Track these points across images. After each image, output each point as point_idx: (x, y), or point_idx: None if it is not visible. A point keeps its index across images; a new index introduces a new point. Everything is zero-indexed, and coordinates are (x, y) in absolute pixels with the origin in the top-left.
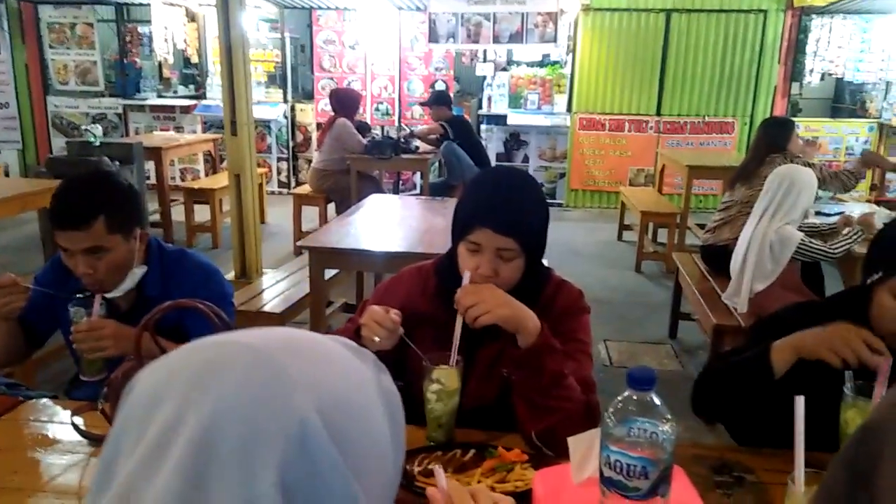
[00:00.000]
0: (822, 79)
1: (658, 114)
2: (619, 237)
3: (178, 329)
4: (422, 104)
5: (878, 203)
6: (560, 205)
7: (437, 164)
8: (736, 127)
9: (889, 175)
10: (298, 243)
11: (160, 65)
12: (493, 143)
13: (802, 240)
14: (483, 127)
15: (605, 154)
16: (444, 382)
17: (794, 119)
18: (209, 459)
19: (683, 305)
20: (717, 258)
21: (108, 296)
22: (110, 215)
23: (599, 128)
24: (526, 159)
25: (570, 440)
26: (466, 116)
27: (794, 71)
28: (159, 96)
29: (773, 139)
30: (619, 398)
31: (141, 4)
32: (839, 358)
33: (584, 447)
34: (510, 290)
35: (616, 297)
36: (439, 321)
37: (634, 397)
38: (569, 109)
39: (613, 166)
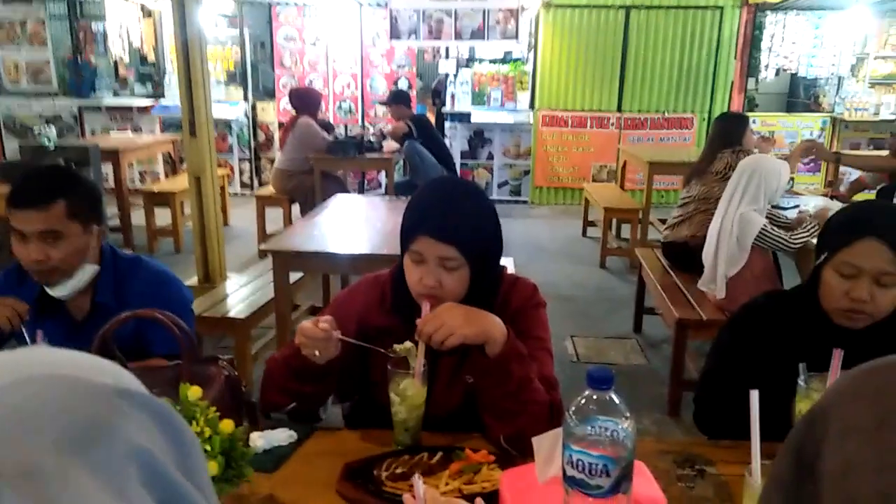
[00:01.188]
0: (776, 74)
1: (619, 110)
2: (584, 233)
3: (137, 341)
4: (381, 103)
5: (832, 198)
6: (525, 202)
7: (401, 162)
8: (695, 122)
9: (843, 169)
10: (262, 247)
11: (116, 64)
12: (457, 140)
13: (765, 226)
14: (447, 124)
15: (568, 151)
16: (408, 387)
17: (751, 114)
18: None
19: (647, 300)
20: (678, 254)
21: (58, 295)
22: (71, 201)
23: (562, 124)
24: (490, 157)
25: (534, 440)
26: (430, 114)
27: (750, 66)
28: (115, 96)
29: (727, 135)
30: (580, 398)
31: (94, 1)
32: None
33: (548, 446)
34: (464, 298)
35: (581, 292)
36: (398, 334)
37: (594, 396)
38: (531, 106)
39: (577, 163)
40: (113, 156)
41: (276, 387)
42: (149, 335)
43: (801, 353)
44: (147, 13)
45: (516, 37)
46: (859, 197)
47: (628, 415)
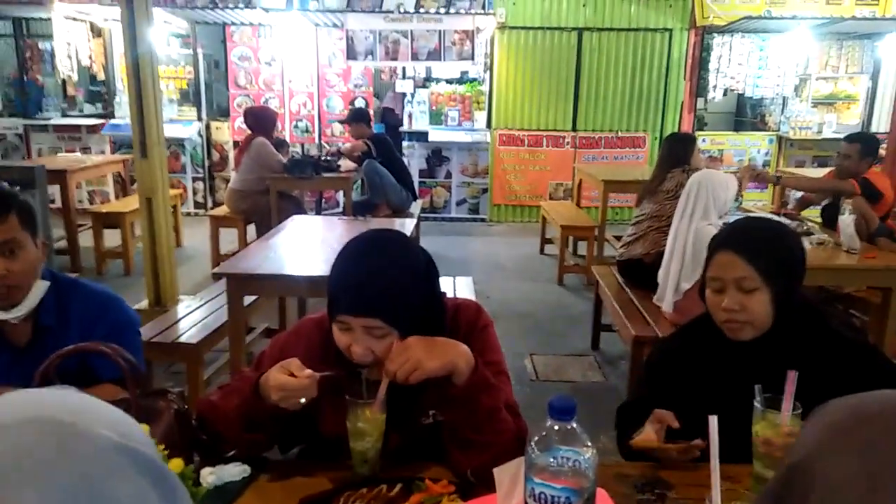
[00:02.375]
0: (724, 94)
1: (574, 129)
2: (542, 251)
3: (83, 365)
4: (340, 122)
5: (782, 215)
6: (483, 220)
7: (359, 182)
8: (647, 141)
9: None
10: (215, 270)
11: (64, 82)
12: (415, 159)
13: None
14: (405, 143)
15: (525, 169)
16: (368, 418)
17: (701, 133)
18: None
19: (604, 317)
20: (633, 271)
21: (9, 317)
22: (21, 211)
23: (518, 143)
24: (448, 175)
25: (495, 471)
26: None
27: (699, 87)
28: (64, 115)
29: (676, 154)
30: (542, 429)
31: (41, 19)
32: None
33: (510, 477)
34: None
35: (539, 310)
36: (344, 385)
37: (556, 427)
38: (489, 125)
39: (533, 181)
40: (60, 176)
41: (217, 436)
42: (94, 360)
43: (715, 375)
44: (97, 32)
45: (472, 58)
46: (807, 213)
47: (590, 444)
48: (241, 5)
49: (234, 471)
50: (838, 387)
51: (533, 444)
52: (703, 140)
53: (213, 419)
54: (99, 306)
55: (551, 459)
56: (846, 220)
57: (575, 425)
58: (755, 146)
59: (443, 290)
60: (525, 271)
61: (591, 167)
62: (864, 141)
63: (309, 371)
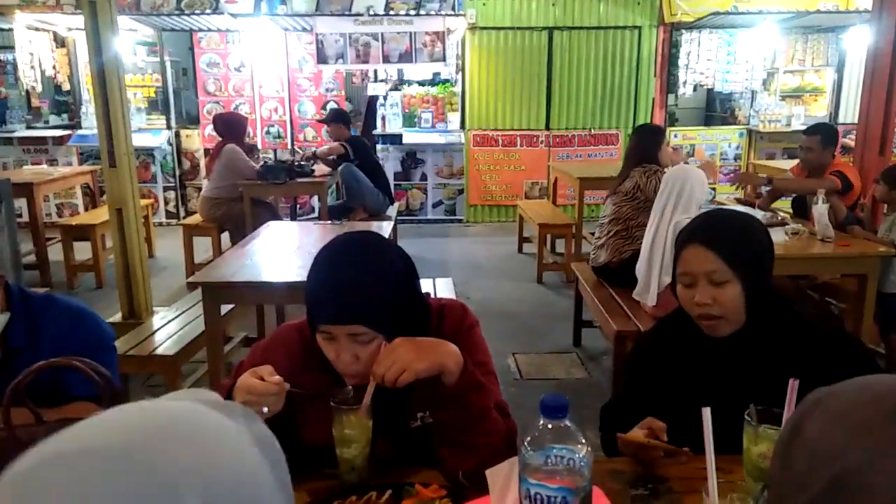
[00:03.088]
0: (694, 89)
1: (547, 128)
2: (520, 250)
3: (56, 383)
4: (319, 121)
5: (756, 207)
6: (460, 221)
7: (334, 186)
8: (620, 138)
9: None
10: (189, 279)
11: (28, 94)
12: (390, 162)
13: None
14: (379, 146)
15: (500, 169)
16: (354, 424)
17: (672, 128)
18: None
19: (585, 313)
20: (604, 274)
21: None
22: None
23: (493, 143)
24: (423, 177)
25: (488, 473)
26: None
27: (669, 83)
28: (29, 127)
29: (644, 147)
30: (534, 428)
31: (3, 30)
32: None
33: (503, 478)
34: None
35: (521, 309)
36: (327, 393)
37: (549, 426)
38: (462, 127)
39: (509, 181)
40: (26, 190)
41: None
42: (67, 376)
43: (692, 371)
44: (60, 42)
45: (444, 59)
46: (777, 204)
47: (584, 441)
48: (207, 11)
49: None
50: (816, 378)
51: (526, 443)
52: (675, 135)
53: None
54: (72, 322)
55: (545, 459)
56: (820, 209)
57: (568, 423)
58: (726, 140)
59: (426, 290)
60: (504, 271)
61: (566, 165)
62: (823, 132)
63: (278, 378)
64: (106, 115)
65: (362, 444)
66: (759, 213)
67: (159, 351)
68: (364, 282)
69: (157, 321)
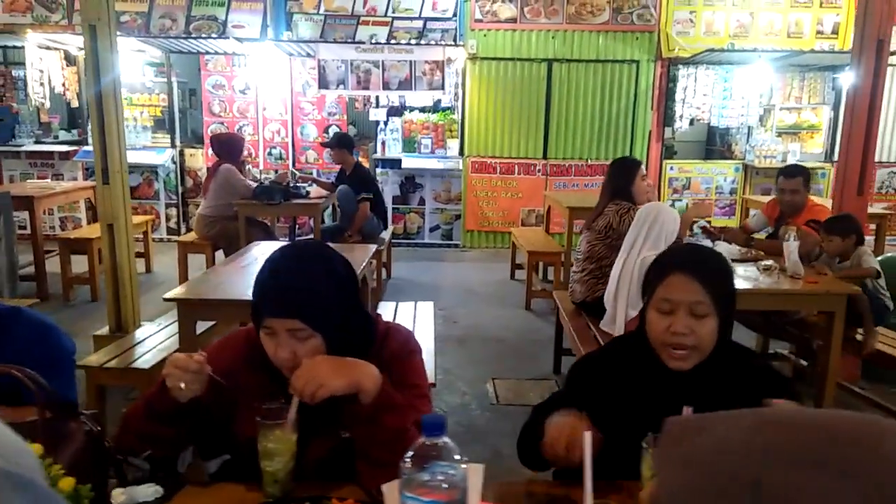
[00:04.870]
0: (691, 124)
1: (545, 157)
2: (512, 276)
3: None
4: (322, 144)
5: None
6: (457, 245)
7: (330, 207)
8: None
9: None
10: (166, 295)
11: (38, 109)
12: (388, 186)
13: None
14: (378, 170)
15: (497, 196)
16: (278, 438)
17: (669, 161)
18: None
19: (566, 341)
20: (584, 308)
21: None
22: None
23: (491, 171)
24: (422, 202)
25: (384, 487)
26: (363, 160)
27: (666, 117)
28: (38, 142)
29: (618, 179)
30: (416, 445)
31: (15, 47)
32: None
33: (398, 493)
34: (339, 352)
35: (506, 335)
36: (265, 392)
37: (428, 443)
38: (461, 153)
39: (506, 207)
40: (27, 203)
41: (132, 430)
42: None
43: (639, 399)
44: (71, 60)
45: (442, 87)
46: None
47: (461, 457)
48: (213, 35)
49: (147, 491)
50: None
51: (406, 460)
52: (672, 168)
53: (130, 413)
54: (37, 336)
55: (424, 475)
56: (791, 246)
57: (447, 440)
58: (722, 174)
59: (406, 312)
60: (495, 296)
61: (560, 194)
62: (804, 174)
63: (200, 357)
64: (101, 131)
65: (286, 458)
66: (734, 249)
67: (136, 364)
68: (305, 281)
69: (139, 335)
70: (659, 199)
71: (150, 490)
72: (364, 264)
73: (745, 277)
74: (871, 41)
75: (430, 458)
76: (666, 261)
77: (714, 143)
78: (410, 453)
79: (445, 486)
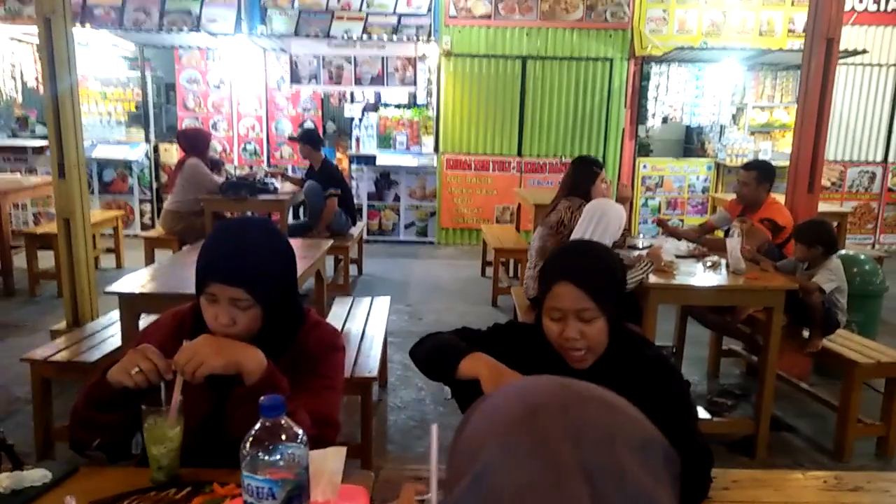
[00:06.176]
0: (664, 122)
1: (519, 154)
2: (483, 273)
3: None
4: (290, 139)
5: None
6: (432, 242)
7: (301, 204)
8: None
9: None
10: (106, 289)
11: (12, 103)
12: (363, 182)
13: None
14: (353, 167)
15: (472, 193)
16: (160, 424)
17: (643, 158)
18: None
19: None
20: (537, 304)
21: None
22: None
23: (466, 168)
24: (397, 198)
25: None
26: (343, 157)
27: (639, 115)
28: (13, 136)
29: (577, 178)
30: (256, 426)
31: None
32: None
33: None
34: (259, 335)
35: None
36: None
37: (267, 424)
38: (436, 150)
39: (481, 204)
40: None
41: (79, 421)
42: None
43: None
44: None
45: (415, 83)
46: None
47: (300, 437)
48: (185, 29)
49: (35, 476)
50: (649, 407)
51: (246, 440)
52: (644, 166)
53: (76, 406)
54: None
55: (263, 455)
56: (732, 242)
57: (284, 421)
58: (694, 172)
59: (360, 305)
60: (463, 293)
61: (533, 192)
62: (760, 169)
63: (162, 361)
64: (56, 125)
65: (172, 443)
66: (682, 245)
67: (80, 358)
68: (252, 252)
69: (89, 329)
70: (631, 198)
71: (39, 474)
72: (317, 258)
73: (686, 273)
74: (821, 40)
75: (270, 438)
76: (550, 269)
77: (692, 142)
78: (250, 434)
79: (282, 464)
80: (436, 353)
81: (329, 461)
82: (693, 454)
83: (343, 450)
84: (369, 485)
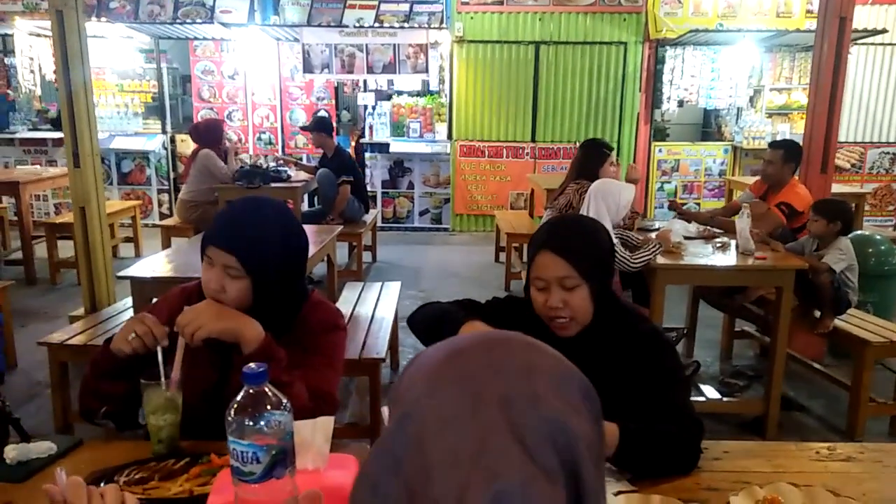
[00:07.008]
0: (679, 105)
1: (533, 140)
2: (496, 259)
3: None
4: (302, 128)
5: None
6: (446, 229)
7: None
8: None
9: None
10: (119, 273)
11: (30, 96)
12: (377, 170)
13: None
14: (367, 155)
15: (486, 179)
16: (160, 397)
17: (658, 143)
18: None
19: None
20: None
21: None
22: None
23: (479, 154)
24: (411, 186)
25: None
26: (352, 143)
27: (654, 98)
28: (34, 129)
29: (586, 161)
30: (240, 393)
31: (6, 35)
32: None
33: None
34: (258, 310)
35: None
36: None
37: (251, 391)
38: (449, 137)
39: (495, 191)
40: (13, 188)
41: (88, 391)
42: None
43: None
44: None
45: (426, 70)
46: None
47: (284, 404)
48: (198, 20)
49: (41, 447)
50: (640, 380)
51: (232, 405)
52: (660, 150)
53: (85, 376)
54: None
55: (245, 420)
56: (741, 223)
57: (269, 388)
58: (711, 156)
59: (373, 291)
60: (477, 279)
61: (542, 178)
62: (786, 147)
63: (160, 329)
64: (71, 115)
65: (172, 415)
66: (692, 227)
67: (95, 342)
68: (253, 224)
69: (105, 314)
70: (647, 182)
71: (45, 447)
72: (326, 242)
73: (695, 254)
74: (833, 18)
75: (251, 404)
76: (535, 240)
77: (710, 126)
78: (235, 402)
79: (267, 430)
80: (434, 321)
81: (318, 431)
82: (683, 424)
83: (331, 419)
84: (364, 456)
